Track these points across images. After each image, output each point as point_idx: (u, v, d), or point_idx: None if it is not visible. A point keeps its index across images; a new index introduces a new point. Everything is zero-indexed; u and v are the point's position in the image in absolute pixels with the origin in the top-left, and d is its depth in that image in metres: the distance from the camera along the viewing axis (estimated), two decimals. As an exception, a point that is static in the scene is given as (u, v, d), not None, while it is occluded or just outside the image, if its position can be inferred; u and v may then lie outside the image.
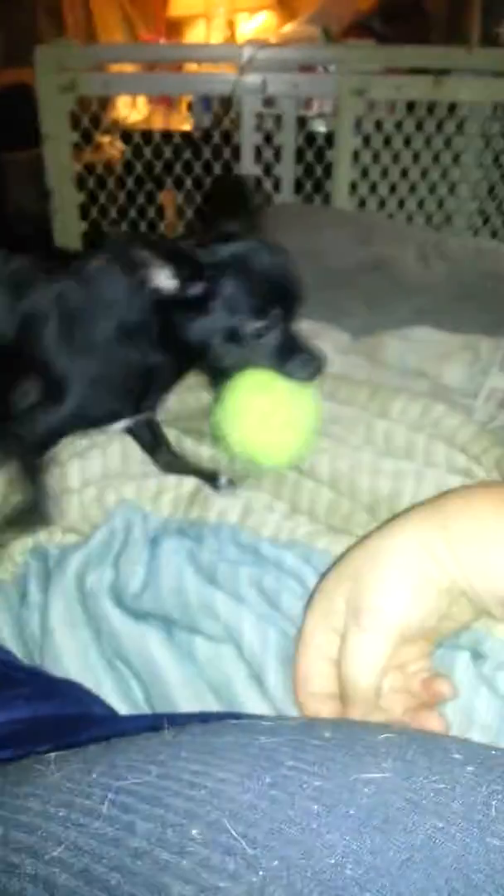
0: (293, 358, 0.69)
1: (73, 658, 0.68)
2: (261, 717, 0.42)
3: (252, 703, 0.63)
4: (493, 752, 0.36)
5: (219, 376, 0.73)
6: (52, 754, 0.38)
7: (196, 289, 0.68)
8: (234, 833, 0.32)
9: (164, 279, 0.67)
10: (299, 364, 0.69)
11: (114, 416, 0.78)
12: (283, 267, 0.69)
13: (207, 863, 0.31)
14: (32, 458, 0.76)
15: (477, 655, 0.60)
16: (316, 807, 0.33)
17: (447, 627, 0.57)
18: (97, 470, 0.80)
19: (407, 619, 0.52)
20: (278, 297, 0.68)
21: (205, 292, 0.68)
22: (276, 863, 0.31)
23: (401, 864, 0.31)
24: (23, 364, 0.73)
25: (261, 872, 0.31)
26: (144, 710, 0.67)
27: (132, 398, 0.77)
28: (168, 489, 0.78)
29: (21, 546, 0.75)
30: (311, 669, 0.58)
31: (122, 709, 0.67)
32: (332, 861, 0.32)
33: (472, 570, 0.52)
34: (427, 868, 0.31)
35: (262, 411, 0.71)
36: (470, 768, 0.34)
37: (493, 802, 0.32)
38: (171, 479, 0.79)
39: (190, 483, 0.79)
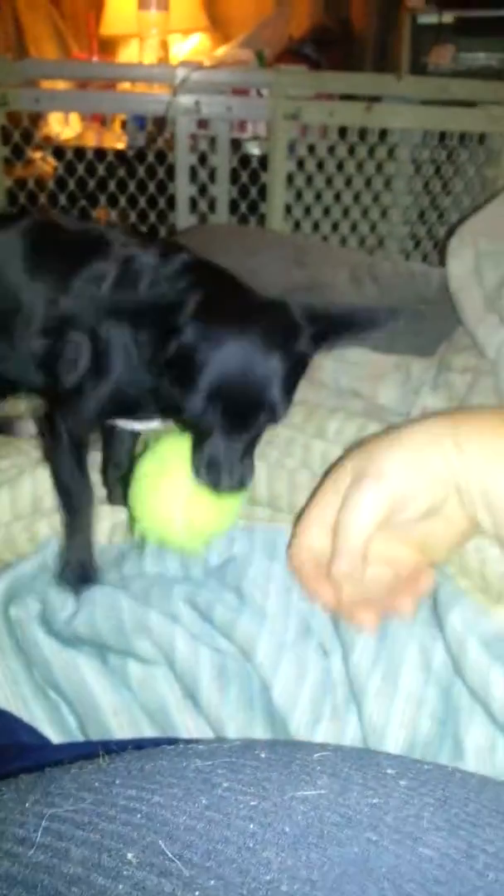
0: (214, 462, 0.62)
1: (2, 688, 0.66)
2: (197, 741, 0.42)
3: (187, 725, 0.63)
4: (426, 767, 0.37)
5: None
6: (-17, 785, 0.37)
7: (171, 347, 0.62)
8: (169, 855, 0.32)
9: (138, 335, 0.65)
10: (213, 470, 0.62)
11: (142, 403, 0.73)
12: (241, 371, 0.60)
13: (143, 886, 0.31)
14: (79, 438, 0.73)
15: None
16: (252, 826, 0.33)
17: (436, 538, 0.62)
18: (27, 499, 0.79)
19: (401, 487, 0.58)
20: (220, 395, 0.60)
21: (179, 352, 0.61)
22: (212, 882, 0.32)
23: (336, 878, 0.32)
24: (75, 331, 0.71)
25: (197, 893, 0.31)
26: (78, 737, 0.66)
27: (155, 389, 0.71)
28: (104, 516, 0.77)
29: None
30: (312, 524, 0.63)
31: (55, 737, 0.66)
32: (269, 878, 0.32)
33: (473, 469, 0.57)
34: (362, 880, 0.32)
35: (176, 490, 0.65)
36: (403, 782, 0.35)
37: (426, 814, 0.33)
38: (106, 507, 0.79)
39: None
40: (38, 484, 0.79)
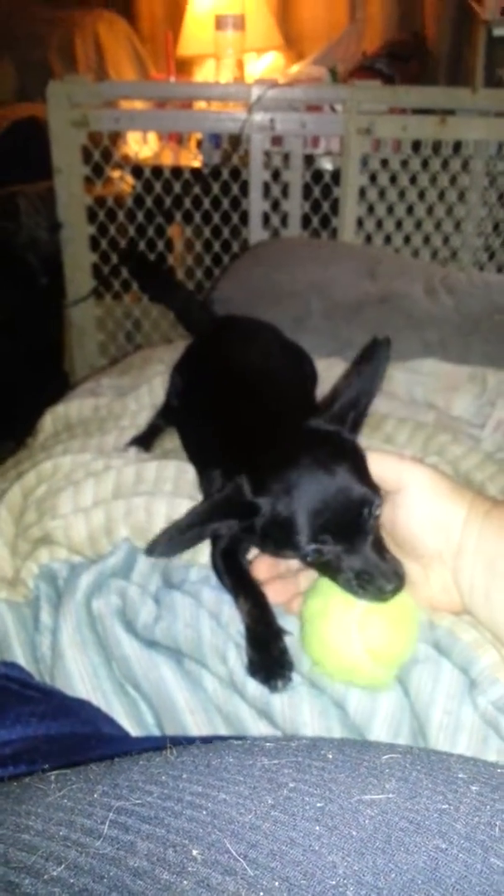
0: (354, 577, 0.61)
1: (83, 681, 0.68)
2: (264, 738, 0.42)
3: (261, 730, 0.64)
4: (499, 771, 0.36)
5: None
6: (53, 773, 0.38)
7: (251, 521, 0.64)
8: (234, 853, 0.32)
9: (225, 528, 0.67)
10: (369, 582, 0.60)
11: None
12: (322, 496, 0.61)
13: (208, 883, 0.31)
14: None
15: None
16: (318, 828, 0.33)
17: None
18: (109, 491, 0.81)
19: (411, 499, 0.60)
20: (321, 527, 0.61)
21: (262, 520, 0.64)
22: (276, 884, 0.31)
23: (403, 886, 0.31)
24: None
25: (262, 894, 0.31)
26: (155, 733, 0.67)
27: None
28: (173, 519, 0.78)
29: (27, 571, 0.75)
30: None
31: (133, 732, 0.67)
32: (334, 882, 0.31)
33: (489, 542, 0.57)
34: (429, 890, 0.31)
35: (348, 624, 0.61)
36: (474, 788, 0.34)
37: (498, 822, 0.32)
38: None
39: None
40: (122, 477, 0.82)
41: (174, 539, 0.64)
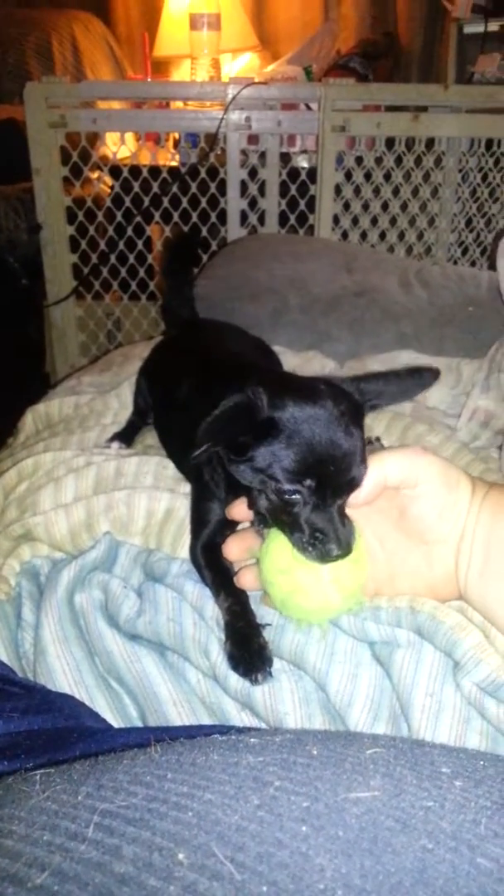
0: (309, 533, 0.60)
1: (66, 675, 0.68)
2: (248, 732, 0.41)
3: (244, 721, 0.65)
4: (482, 763, 0.36)
5: (265, 518, 0.66)
6: (38, 773, 0.37)
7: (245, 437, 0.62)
8: (221, 857, 0.32)
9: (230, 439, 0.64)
10: (309, 541, 0.60)
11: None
12: (331, 443, 0.60)
13: (195, 889, 0.31)
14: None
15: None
16: (304, 828, 0.33)
17: (405, 566, 0.63)
18: (90, 487, 0.80)
19: (426, 477, 0.59)
20: (313, 470, 0.60)
21: (253, 441, 0.62)
22: (264, 888, 0.31)
23: (390, 889, 0.31)
24: None
25: (249, 898, 0.30)
26: (138, 725, 0.67)
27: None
28: (154, 512, 0.78)
29: (9, 568, 0.75)
30: None
31: (117, 725, 0.67)
32: (322, 886, 0.31)
33: (485, 518, 0.59)
34: (417, 892, 0.31)
35: (296, 570, 0.61)
36: (458, 783, 0.34)
37: (483, 820, 0.32)
38: (161, 510, 0.79)
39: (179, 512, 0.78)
40: (102, 472, 0.81)
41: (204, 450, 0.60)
